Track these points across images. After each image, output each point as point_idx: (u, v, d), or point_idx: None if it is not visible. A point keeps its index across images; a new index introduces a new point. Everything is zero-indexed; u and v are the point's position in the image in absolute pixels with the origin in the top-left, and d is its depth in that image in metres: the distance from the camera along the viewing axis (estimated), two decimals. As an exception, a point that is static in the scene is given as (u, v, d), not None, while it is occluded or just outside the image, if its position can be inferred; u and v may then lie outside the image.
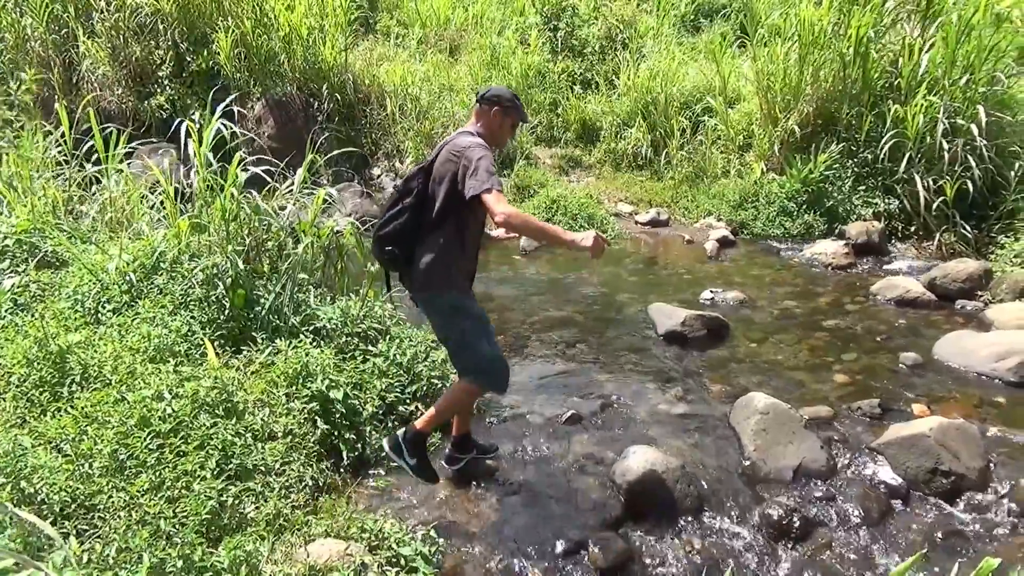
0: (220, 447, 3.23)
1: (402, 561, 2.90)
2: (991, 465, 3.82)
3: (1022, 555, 3.26)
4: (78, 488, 2.88)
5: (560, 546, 3.29)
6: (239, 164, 4.48)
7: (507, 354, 5.20)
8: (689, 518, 3.50)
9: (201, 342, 3.97)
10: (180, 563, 2.57)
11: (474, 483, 3.72)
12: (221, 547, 2.73)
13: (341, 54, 10.24)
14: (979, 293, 6.25)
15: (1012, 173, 7.17)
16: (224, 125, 4.60)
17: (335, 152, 6.75)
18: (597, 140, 10.13)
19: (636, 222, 8.52)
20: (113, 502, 2.88)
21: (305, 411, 3.66)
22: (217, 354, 3.89)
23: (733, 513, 3.54)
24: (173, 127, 4.76)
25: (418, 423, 3.43)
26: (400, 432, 3.45)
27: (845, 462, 3.92)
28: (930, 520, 3.54)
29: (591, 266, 7.22)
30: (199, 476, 3.08)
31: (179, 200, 4.88)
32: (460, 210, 3.20)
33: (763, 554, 3.31)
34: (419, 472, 3.43)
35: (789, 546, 3.36)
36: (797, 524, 3.45)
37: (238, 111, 8.43)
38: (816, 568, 3.24)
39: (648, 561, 3.26)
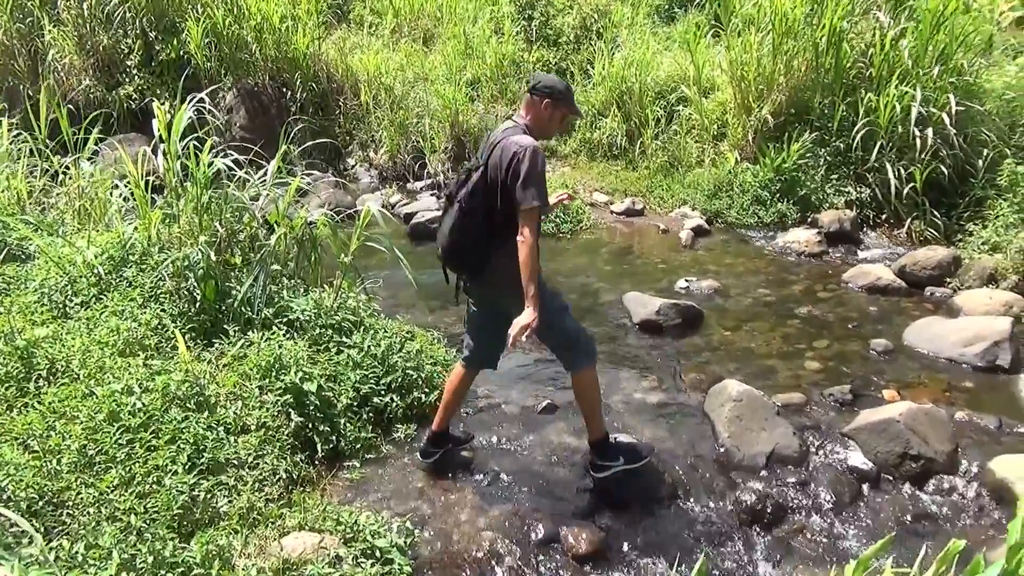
0: (192, 441, 3.20)
1: (377, 553, 2.89)
2: (959, 449, 3.88)
3: (988, 537, 3.32)
4: (46, 485, 2.85)
5: (536, 535, 3.30)
6: (211, 153, 4.42)
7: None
8: (664, 505, 3.53)
9: (172, 335, 3.93)
10: (151, 559, 2.54)
11: (450, 474, 3.72)
12: (193, 542, 2.72)
13: (314, 43, 10.13)
14: (948, 280, 6.34)
15: (980, 162, 7.27)
16: (196, 112, 4.53)
17: (309, 143, 6.69)
18: (572, 130, 10.12)
19: (611, 211, 8.53)
20: (82, 498, 2.85)
21: (278, 404, 3.63)
22: (188, 347, 3.85)
23: (707, 499, 3.58)
24: (153, 115, 4.66)
25: (590, 437, 3.53)
26: (591, 460, 3.57)
27: (817, 448, 3.97)
28: (900, 503, 3.60)
29: (567, 257, 7.23)
30: (170, 471, 3.05)
31: (149, 191, 4.80)
32: None
33: (737, 539, 3.35)
34: (635, 460, 3.54)
35: (762, 531, 3.41)
36: (770, 509, 3.50)
37: (209, 101, 8.34)
38: (789, 552, 3.29)
39: (624, 548, 3.28)
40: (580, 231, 7.89)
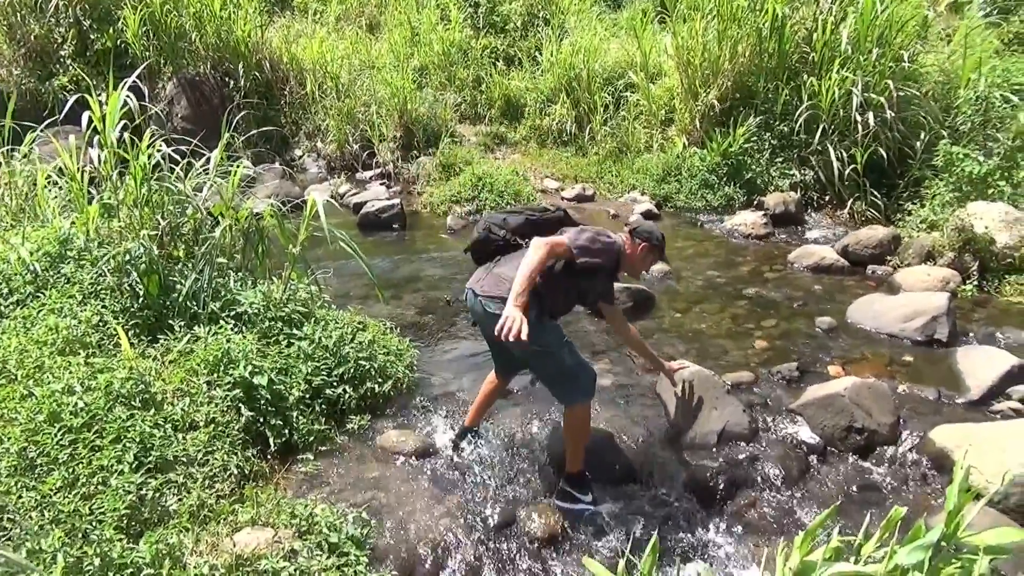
0: (138, 440, 3.12)
1: (333, 545, 2.86)
2: (901, 420, 4.01)
3: (929, 503, 3.44)
4: (-16, 489, 2.74)
5: (493, 520, 3.31)
6: (151, 144, 4.30)
7: (436, 333, 5.21)
8: (619, 486, 3.57)
9: (114, 332, 3.81)
10: (98, 561, 2.48)
11: (405, 463, 3.70)
12: (142, 542, 2.64)
13: (256, 31, 9.91)
14: (888, 258, 6.54)
15: (918, 143, 7.49)
16: (131, 99, 4.38)
17: (253, 132, 6.55)
18: (522, 117, 10.11)
19: (562, 198, 8.56)
20: (23, 502, 2.75)
21: (228, 399, 3.56)
22: (132, 344, 3.75)
23: (661, 479, 3.63)
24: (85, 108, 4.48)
25: (568, 468, 3.47)
26: (561, 487, 3.48)
27: (766, 424, 4.05)
28: (846, 475, 3.71)
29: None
30: (116, 471, 2.97)
31: (86, 184, 4.64)
32: None
33: (691, 516, 3.41)
34: (596, 503, 3.46)
35: (715, 507, 3.47)
36: (722, 485, 3.57)
37: (148, 91, 8.09)
38: (741, 526, 3.36)
39: (580, 530, 3.31)
40: (532, 218, 7.88)
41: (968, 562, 1.78)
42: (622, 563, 1.87)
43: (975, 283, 5.95)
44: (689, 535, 3.31)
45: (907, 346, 4.98)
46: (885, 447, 3.87)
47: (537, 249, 3.05)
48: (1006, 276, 5.97)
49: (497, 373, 3.81)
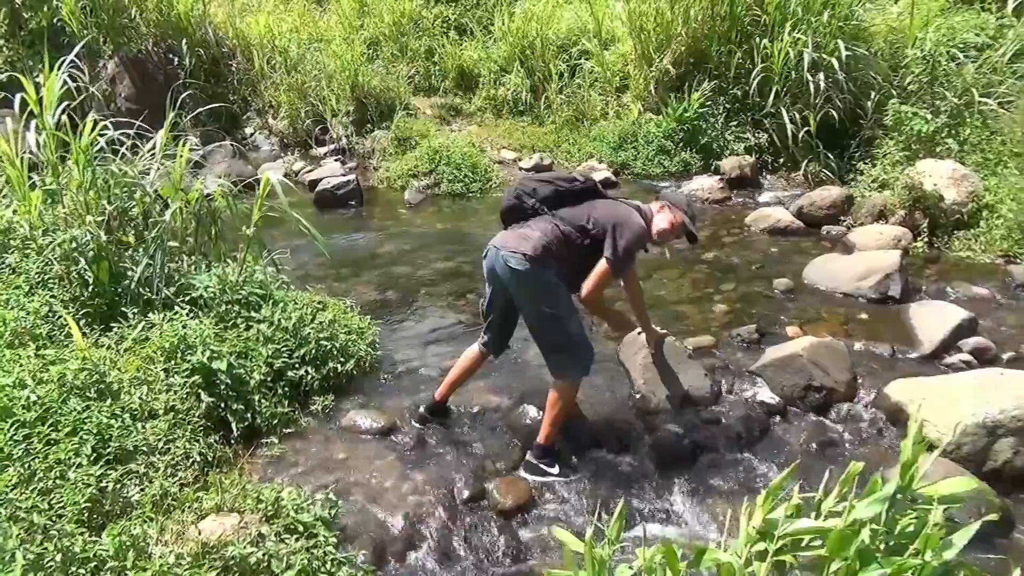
0: (95, 431, 3.05)
1: (301, 528, 2.85)
2: (857, 377, 4.11)
3: (886, 457, 3.54)
4: (-66, 490, 2.66)
5: (462, 494, 3.33)
6: (94, 127, 4.15)
7: (398, 310, 5.17)
8: (586, 454, 3.60)
9: (64, 322, 3.71)
10: (59, 557, 2.42)
11: (372, 441, 3.68)
12: (104, 534, 2.60)
13: (199, 5, 9.60)
14: (842, 218, 6.65)
15: (869, 103, 7.59)
16: (70, 80, 4.23)
17: (200, 110, 6.37)
18: (476, 87, 9.99)
19: (520, 168, 8.51)
20: (-23, 501, 2.68)
21: (187, 385, 3.49)
22: (84, 334, 3.65)
23: (627, 445, 3.68)
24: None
25: (540, 439, 3.49)
26: (528, 457, 3.51)
27: (728, 387, 4.12)
28: (806, 433, 3.80)
29: (477, 216, 7.20)
30: (74, 464, 2.90)
31: (26, 171, 4.48)
32: None
33: (656, 480, 3.47)
34: (566, 475, 3.48)
35: (680, 470, 3.53)
36: (687, 449, 3.62)
37: (89, 71, 7.79)
38: (705, 487, 3.42)
39: (548, 498, 3.35)
40: (489, 189, 7.86)
41: (923, 512, 1.83)
42: (590, 530, 1.89)
43: (926, 240, 6.09)
44: (655, 499, 3.36)
45: (862, 304, 5.08)
46: (843, 404, 3.97)
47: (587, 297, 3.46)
48: (955, 232, 6.12)
49: (486, 346, 3.75)
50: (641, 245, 3.49)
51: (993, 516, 2.60)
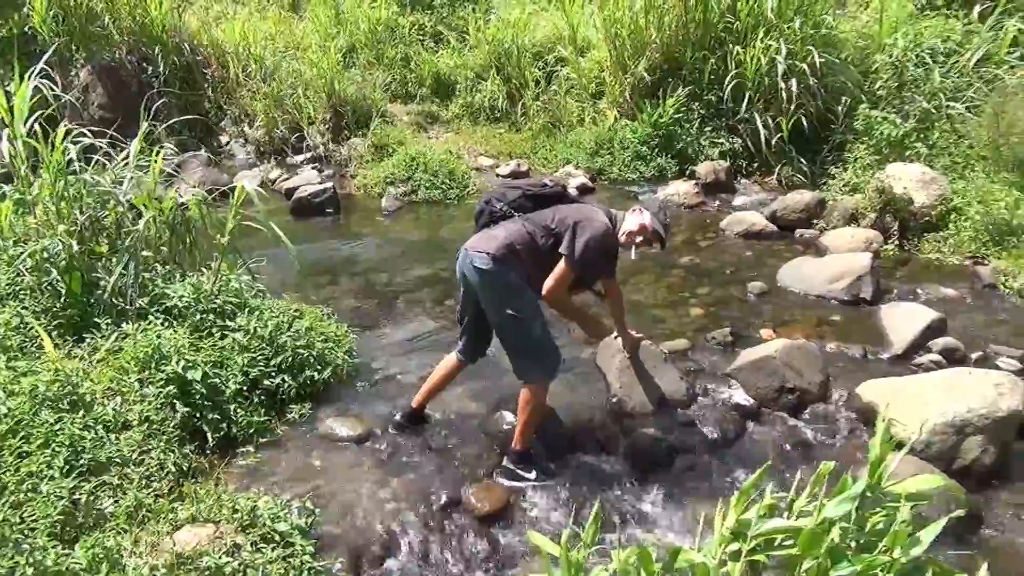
0: (68, 443, 3.02)
1: (277, 537, 2.83)
2: (830, 378, 4.16)
3: (858, 457, 3.59)
4: (-98, 505, 2.62)
5: (440, 500, 3.33)
6: (66, 136, 4.12)
7: (376, 317, 5.16)
8: (563, 458, 3.62)
9: (36, 334, 3.67)
10: (31, 571, 2.40)
11: (348, 449, 3.67)
12: (78, 547, 2.57)
13: (173, 13, 9.54)
14: (815, 221, 6.73)
15: (840, 108, 7.70)
16: (43, 87, 4.19)
17: (175, 119, 6.33)
18: (453, 95, 10.01)
19: (497, 175, 8.53)
20: (-54, 515, 2.64)
21: (161, 395, 3.47)
22: (56, 345, 3.61)
23: (603, 448, 3.70)
24: None
25: (515, 446, 3.52)
26: (504, 465, 3.53)
27: (703, 390, 4.16)
28: (779, 434, 3.85)
29: (454, 223, 7.20)
30: (46, 476, 2.87)
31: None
32: None
33: (632, 483, 3.49)
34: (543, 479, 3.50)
35: (656, 473, 3.56)
36: (663, 452, 3.65)
37: (61, 79, 7.71)
38: (681, 490, 3.45)
39: (525, 504, 3.36)
40: (466, 196, 7.87)
41: (892, 510, 1.86)
42: (565, 534, 1.90)
43: (896, 242, 6.19)
44: (631, 502, 3.38)
45: (834, 306, 5.16)
46: (816, 405, 4.02)
47: (548, 296, 3.48)
48: (924, 234, 6.22)
49: (462, 353, 3.76)
50: (604, 245, 3.46)
51: (960, 512, 2.65)
